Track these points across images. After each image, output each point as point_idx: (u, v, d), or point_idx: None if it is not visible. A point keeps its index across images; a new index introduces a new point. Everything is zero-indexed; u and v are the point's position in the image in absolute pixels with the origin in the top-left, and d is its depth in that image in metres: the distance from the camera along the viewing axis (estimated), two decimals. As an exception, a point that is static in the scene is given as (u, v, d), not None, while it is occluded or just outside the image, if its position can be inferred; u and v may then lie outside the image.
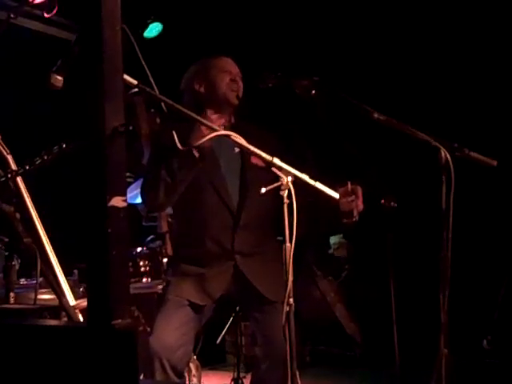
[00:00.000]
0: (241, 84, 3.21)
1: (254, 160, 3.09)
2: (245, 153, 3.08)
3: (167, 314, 2.98)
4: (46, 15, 4.09)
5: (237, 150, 3.16)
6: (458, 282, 2.85)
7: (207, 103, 3.17)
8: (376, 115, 2.86)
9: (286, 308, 2.42)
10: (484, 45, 4.37)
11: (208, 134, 2.58)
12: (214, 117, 3.15)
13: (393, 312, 3.22)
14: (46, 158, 2.37)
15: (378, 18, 4.65)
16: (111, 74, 1.93)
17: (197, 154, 2.88)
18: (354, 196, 2.96)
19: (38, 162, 2.38)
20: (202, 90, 3.18)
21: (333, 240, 4.56)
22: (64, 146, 2.34)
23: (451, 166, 2.70)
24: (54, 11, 4.03)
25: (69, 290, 2.51)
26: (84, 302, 2.50)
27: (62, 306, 2.31)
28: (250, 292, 3.07)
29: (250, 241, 3.10)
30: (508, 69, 4.31)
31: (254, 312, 3.12)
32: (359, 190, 2.96)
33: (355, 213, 2.94)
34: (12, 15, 3.14)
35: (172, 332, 2.92)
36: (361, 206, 2.96)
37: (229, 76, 3.19)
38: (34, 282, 2.80)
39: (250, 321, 3.21)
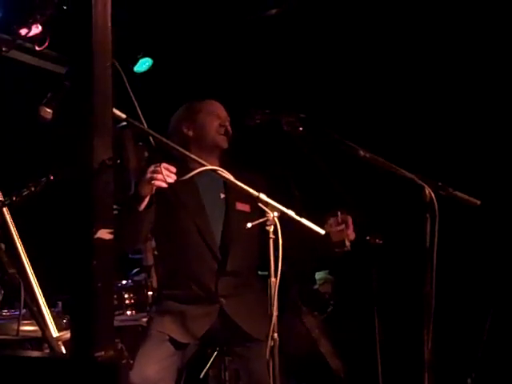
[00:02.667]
0: (229, 128, 3.25)
1: (239, 206, 3.14)
2: (230, 199, 3.13)
3: (149, 348, 2.96)
4: (37, 48, 4.14)
5: (222, 195, 3.19)
6: (442, 319, 2.87)
7: (195, 146, 3.19)
8: (362, 153, 2.90)
9: (271, 343, 2.43)
10: (468, 85, 4.43)
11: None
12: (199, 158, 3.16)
13: (377, 348, 3.23)
14: (33, 189, 2.38)
15: (365, 57, 4.72)
16: (101, 108, 1.96)
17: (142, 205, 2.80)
18: (343, 225, 2.98)
19: (24, 193, 2.39)
20: (191, 133, 3.23)
21: (318, 276, 4.57)
22: (51, 177, 2.36)
23: (435, 205, 2.73)
24: (46, 45, 4.07)
25: (52, 321, 2.50)
26: (67, 334, 2.49)
27: (44, 338, 2.30)
28: (234, 330, 3.07)
29: (234, 283, 3.11)
30: (492, 108, 4.38)
31: (237, 348, 3.11)
32: (349, 219, 3.00)
33: (347, 242, 2.97)
34: (4, 49, 3.17)
35: (152, 365, 2.90)
36: (352, 235, 2.99)
37: (218, 120, 3.24)
38: (17, 312, 2.79)
39: (232, 357, 3.20)
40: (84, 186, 1.85)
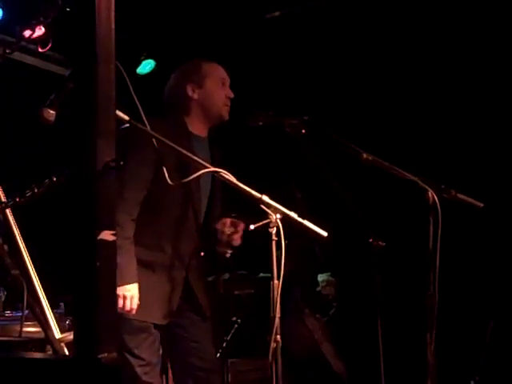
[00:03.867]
0: (232, 95, 3.19)
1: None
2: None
3: (138, 340, 2.96)
4: (40, 50, 4.14)
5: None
6: (445, 322, 2.86)
7: (197, 111, 3.15)
8: (365, 155, 2.90)
9: (273, 345, 2.42)
10: (471, 87, 4.43)
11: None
12: (199, 123, 3.15)
13: (380, 351, 3.22)
14: (36, 190, 2.37)
15: (369, 59, 4.72)
16: (104, 110, 1.96)
17: None
18: (233, 229, 3.02)
19: (27, 195, 2.39)
20: (196, 96, 3.14)
21: (321, 278, 4.57)
22: (54, 179, 2.35)
23: (438, 207, 2.73)
24: (49, 46, 4.08)
25: (55, 323, 2.50)
26: (70, 336, 2.48)
27: (47, 339, 2.30)
28: (189, 302, 3.09)
29: (198, 255, 3.15)
30: (495, 110, 4.37)
31: (185, 321, 3.11)
32: (240, 225, 3.00)
33: (230, 245, 3.03)
34: (8, 50, 3.17)
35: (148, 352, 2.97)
36: (237, 241, 3.03)
37: (224, 90, 3.18)
38: (20, 314, 2.78)
39: (177, 330, 3.14)
40: (87, 188, 1.85)
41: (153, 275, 3.02)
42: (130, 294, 2.86)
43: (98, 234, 1.83)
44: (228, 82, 3.22)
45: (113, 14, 2.04)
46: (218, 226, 3.08)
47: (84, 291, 1.85)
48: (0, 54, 3.42)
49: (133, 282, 2.89)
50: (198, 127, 3.16)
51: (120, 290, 2.84)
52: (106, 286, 1.85)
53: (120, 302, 2.84)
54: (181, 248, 3.07)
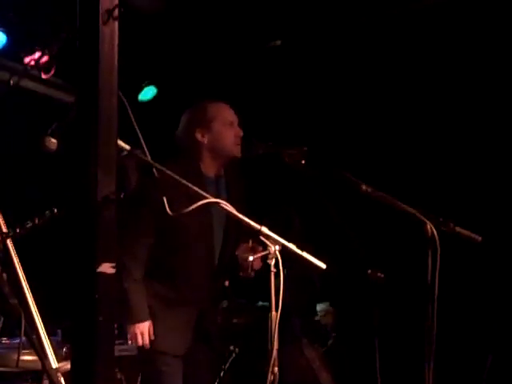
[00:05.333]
0: (242, 134, 3.22)
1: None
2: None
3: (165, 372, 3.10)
4: (43, 76, 4.17)
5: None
6: (443, 354, 2.86)
7: (208, 154, 3.19)
8: (364, 187, 2.90)
9: (271, 377, 2.42)
10: (467, 120, 4.46)
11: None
12: (210, 165, 3.20)
13: (378, 382, 3.21)
14: (36, 221, 2.38)
15: (368, 91, 4.75)
16: (106, 141, 1.98)
17: None
18: (253, 253, 3.01)
19: (28, 226, 2.40)
20: (205, 140, 3.18)
21: (319, 307, 4.56)
22: (55, 210, 2.37)
23: (437, 240, 2.73)
24: (52, 72, 4.10)
25: (52, 352, 2.49)
26: (67, 365, 2.47)
27: (44, 369, 2.29)
28: (201, 336, 3.18)
29: (214, 293, 3.27)
30: (493, 146, 4.40)
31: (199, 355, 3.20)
32: (259, 249, 3.01)
33: (250, 269, 3.07)
34: (12, 81, 3.20)
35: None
36: (257, 265, 3.06)
37: (233, 130, 3.20)
38: (16, 341, 2.77)
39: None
40: (88, 220, 1.86)
41: (167, 309, 3.13)
42: (140, 331, 3.04)
43: (98, 266, 1.84)
44: (236, 121, 3.25)
45: (116, 46, 2.07)
46: (238, 252, 3.14)
47: (82, 323, 1.85)
48: (5, 80, 3.44)
49: (144, 320, 3.06)
50: (210, 170, 3.21)
51: (132, 328, 3.05)
52: (104, 318, 1.85)
53: (133, 340, 3.06)
54: (194, 284, 3.16)
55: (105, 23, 1.96)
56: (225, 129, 3.19)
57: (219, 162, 3.21)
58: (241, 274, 3.15)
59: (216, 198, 3.11)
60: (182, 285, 3.13)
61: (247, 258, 3.03)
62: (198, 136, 3.18)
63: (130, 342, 3.12)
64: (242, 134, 3.22)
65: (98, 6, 1.96)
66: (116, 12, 1.98)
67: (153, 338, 3.06)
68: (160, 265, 3.12)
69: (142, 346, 3.05)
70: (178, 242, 3.11)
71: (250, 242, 3.01)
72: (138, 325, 3.04)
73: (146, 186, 2.98)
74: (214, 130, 3.18)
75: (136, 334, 3.04)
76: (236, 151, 3.20)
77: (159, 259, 3.12)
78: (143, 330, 3.04)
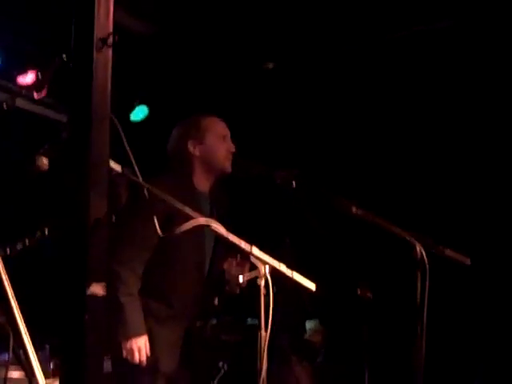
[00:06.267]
0: (234, 149, 3.23)
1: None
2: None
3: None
4: (35, 96, 4.18)
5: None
6: (432, 376, 2.87)
7: (200, 167, 3.19)
8: (354, 209, 2.92)
9: (259, 397, 2.42)
10: (457, 144, 4.50)
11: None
12: (202, 179, 3.20)
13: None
14: (27, 242, 2.39)
15: (359, 113, 4.78)
16: (97, 164, 2.00)
17: None
18: (240, 269, 3.04)
19: (18, 247, 2.40)
20: (197, 153, 3.18)
21: (309, 325, 4.56)
22: (46, 231, 2.37)
23: (426, 262, 2.75)
24: (44, 93, 4.12)
25: (40, 370, 2.48)
26: (55, 382, 2.47)
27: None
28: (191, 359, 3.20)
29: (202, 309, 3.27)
30: (484, 167, 4.43)
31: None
32: (247, 265, 3.00)
33: (239, 284, 3.04)
34: (5, 105, 3.21)
35: None
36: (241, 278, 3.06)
37: (225, 144, 3.21)
38: (3, 357, 2.76)
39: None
40: (79, 242, 1.87)
41: (156, 327, 3.09)
42: (137, 346, 2.96)
43: (88, 287, 1.85)
44: (228, 135, 3.26)
45: (109, 72, 2.09)
46: (225, 267, 3.13)
47: (71, 344, 1.86)
48: (3, 100, 3.45)
49: (140, 335, 2.99)
50: (202, 183, 3.21)
51: (128, 344, 2.96)
52: (93, 340, 1.86)
53: (129, 356, 2.96)
54: (185, 300, 3.16)
55: (99, 50, 1.98)
56: (217, 142, 3.20)
57: (210, 175, 3.21)
58: (226, 288, 3.14)
59: (209, 213, 3.18)
60: (173, 300, 3.12)
61: (235, 275, 3.04)
62: (190, 148, 3.18)
63: (125, 357, 3.01)
64: (233, 149, 3.23)
65: (92, 33, 1.99)
66: (110, 39, 2.01)
67: (149, 354, 3.00)
68: (151, 280, 3.09)
69: (137, 363, 2.97)
70: (170, 257, 3.10)
71: (238, 256, 3.02)
72: (134, 340, 2.96)
73: (137, 203, 2.97)
74: (206, 142, 3.19)
75: (133, 350, 2.95)
76: (227, 166, 3.20)
77: (150, 275, 3.09)
78: (140, 346, 2.97)
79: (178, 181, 3.13)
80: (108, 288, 2.79)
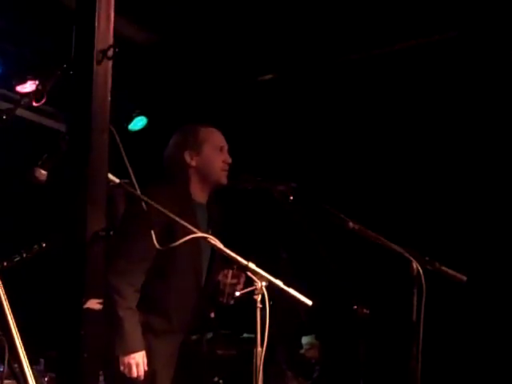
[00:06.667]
0: (230, 161, 3.22)
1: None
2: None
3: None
4: (34, 104, 4.18)
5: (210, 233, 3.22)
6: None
7: (195, 177, 3.18)
8: (351, 224, 2.93)
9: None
10: (452, 161, 4.51)
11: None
12: (198, 190, 3.19)
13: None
14: (24, 255, 2.38)
15: (356, 128, 4.78)
16: (96, 178, 1.99)
17: None
18: (236, 280, 3.05)
19: (16, 259, 2.39)
20: (194, 163, 3.17)
21: (305, 340, 4.55)
22: (44, 245, 2.37)
23: (422, 279, 2.76)
24: (43, 101, 4.12)
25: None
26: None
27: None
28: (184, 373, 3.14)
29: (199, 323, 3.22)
30: (477, 185, 4.44)
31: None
32: (242, 277, 3.02)
33: (233, 296, 3.07)
34: (4, 116, 3.21)
35: None
36: (238, 293, 3.05)
37: (222, 156, 3.20)
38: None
39: None
40: (76, 256, 1.87)
41: (153, 340, 3.05)
42: (135, 362, 2.93)
43: (85, 302, 1.85)
44: (226, 147, 3.25)
45: (109, 84, 2.09)
46: (220, 278, 3.13)
47: (67, 359, 1.85)
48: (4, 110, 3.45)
49: (138, 350, 2.95)
50: (199, 194, 3.20)
51: (126, 359, 2.92)
52: (90, 355, 1.85)
53: (126, 371, 2.92)
54: (184, 314, 3.13)
55: (99, 63, 1.98)
56: (214, 153, 3.19)
57: (206, 186, 3.20)
58: (220, 299, 3.12)
59: (207, 224, 3.18)
60: (171, 314, 3.09)
61: (230, 286, 3.03)
62: (187, 158, 3.17)
63: (122, 372, 2.94)
64: (230, 161, 3.22)
65: (92, 45, 1.99)
66: (110, 52, 2.01)
67: (147, 369, 2.96)
68: (149, 294, 3.06)
69: (135, 378, 2.94)
70: (168, 270, 3.08)
71: (234, 267, 3.01)
72: (133, 355, 2.92)
73: (135, 215, 2.95)
74: (203, 153, 3.18)
75: (131, 365, 2.92)
76: (222, 178, 3.20)
77: (148, 288, 3.06)
78: (138, 361, 2.93)
79: (175, 191, 3.12)
80: (106, 301, 2.81)
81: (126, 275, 2.95)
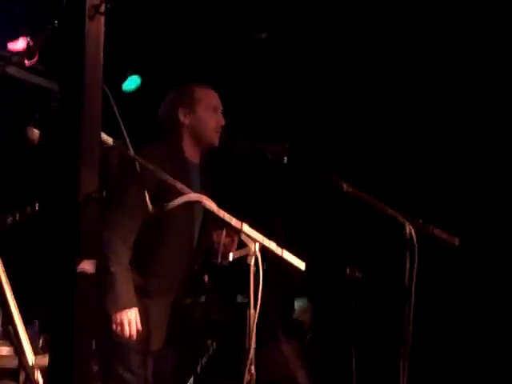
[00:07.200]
0: (223, 122, 3.21)
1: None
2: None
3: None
4: (26, 63, 4.13)
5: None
6: (419, 354, 2.89)
7: (188, 136, 3.17)
8: (345, 186, 2.92)
9: (247, 377, 2.42)
10: (449, 125, 4.50)
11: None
12: (191, 149, 3.18)
13: (353, 379, 3.24)
14: (17, 217, 2.36)
15: (352, 86, 4.75)
16: (89, 138, 1.97)
17: None
18: (230, 239, 3.01)
19: (8, 220, 2.37)
20: (187, 122, 3.16)
21: (297, 304, 4.57)
22: (37, 206, 2.35)
23: (415, 242, 2.76)
24: (35, 60, 4.06)
25: (29, 347, 2.48)
26: (44, 360, 2.46)
27: (21, 366, 2.28)
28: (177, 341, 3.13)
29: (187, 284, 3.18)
30: (471, 150, 4.43)
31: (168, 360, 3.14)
32: (236, 236, 2.96)
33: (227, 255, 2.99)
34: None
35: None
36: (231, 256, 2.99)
37: (216, 116, 3.20)
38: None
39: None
40: (69, 219, 1.86)
41: (143, 301, 3.01)
42: (127, 319, 2.88)
43: (79, 263, 1.84)
44: (220, 108, 3.23)
45: (102, 42, 2.05)
46: (214, 238, 3.12)
47: (61, 321, 1.85)
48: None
49: (131, 307, 2.90)
50: (191, 153, 3.19)
51: (118, 316, 2.87)
52: (83, 317, 1.85)
53: (118, 329, 2.87)
54: (174, 273, 3.11)
55: (91, 18, 1.94)
56: (208, 113, 3.18)
57: (197, 145, 3.19)
58: (214, 260, 3.11)
59: (200, 185, 3.16)
60: (162, 273, 3.08)
61: (226, 250, 3.01)
62: (181, 116, 3.16)
63: (114, 330, 2.88)
64: (223, 122, 3.21)
65: (84, 0, 1.95)
66: (102, 7, 1.97)
67: (140, 327, 2.91)
68: (140, 252, 3.03)
69: (127, 337, 2.89)
70: (159, 230, 3.06)
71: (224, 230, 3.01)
72: (125, 311, 2.87)
73: (128, 175, 2.92)
74: (197, 112, 3.17)
75: (123, 323, 2.85)
76: (215, 139, 3.18)
77: (139, 246, 3.04)
78: (131, 318, 2.87)
79: (169, 150, 3.11)
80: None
81: (116, 230, 2.91)
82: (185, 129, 3.16)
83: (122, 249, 2.95)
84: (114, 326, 2.89)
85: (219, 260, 3.12)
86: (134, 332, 2.90)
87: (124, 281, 2.91)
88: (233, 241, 3.05)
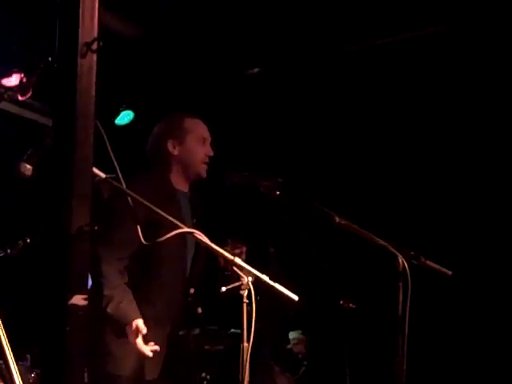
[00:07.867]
0: (212, 153, 3.22)
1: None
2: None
3: None
4: (20, 98, 4.15)
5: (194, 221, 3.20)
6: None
7: (176, 167, 3.18)
8: (337, 219, 2.93)
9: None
10: (441, 154, 4.53)
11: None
12: (179, 179, 3.19)
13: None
14: (9, 251, 2.36)
15: (343, 123, 4.78)
16: (81, 172, 1.98)
17: None
18: (238, 250, 3.00)
19: (0, 255, 2.38)
20: (176, 152, 3.17)
21: (292, 335, 4.56)
22: (28, 240, 2.35)
23: (408, 273, 2.77)
24: (29, 95, 4.09)
25: (20, 381, 2.45)
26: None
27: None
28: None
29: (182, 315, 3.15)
30: (466, 181, 4.45)
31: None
32: (243, 247, 3.02)
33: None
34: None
35: None
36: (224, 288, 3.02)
37: (205, 148, 3.21)
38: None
39: None
40: (61, 252, 1.86)
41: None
42: (137, 328, 2.84)
43: (70, 298, 1.84)
44: (209, 140, 3.25)
45: (94, 78, 2.08)
46: (223, 264, 3.07)
47: (52, 356, 1.84)
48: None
49: (137, 318, 2.87)
50: (180, 183, 3.20)
51: (128, 328, 2.84)
52: (74, 351, 1.84)
53: (132, 339, 2.85)
54: (168, 302, 3.10)
55: (83, 56, 1.97)
56: (197, 145, 3.20)
57: (186, 176, 3.20)
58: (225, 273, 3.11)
59: (191, 214, 3.16)
60: (156, 304, 3.06)
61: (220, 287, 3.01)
62: (170, 147, 3.17)
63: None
64: (212, 154, 3.22)
65: (77, 38, 1.97)
66: (95, 45, 1.99)
67: (145, 332, 2.87)
68: (134, 284, 3.02)
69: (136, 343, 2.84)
70: (152, 261, 3.05)
71: (229, 241, 3.00)
72: (134, 322, 2.84)
73: (120, 208, 2.91)
74: (186, 143, 3.19)
75: (133, 332, 2.83)
76: (202, 170, 3.20)
77: (133, 279, 3.03)
78: (140, 327, 2.84)
79: (158, 180, 3.12)
80: (94, 285, 2.78)
81: (105, 260, 2.90)
82: (173, 160, 3.18)
83: (112, 272, 2.93)
84: (129, 337, 2.86)
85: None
86: (141, 339, 2.86)
87: (124, 298, 2.90)
88: (242, 252, 3.03)
